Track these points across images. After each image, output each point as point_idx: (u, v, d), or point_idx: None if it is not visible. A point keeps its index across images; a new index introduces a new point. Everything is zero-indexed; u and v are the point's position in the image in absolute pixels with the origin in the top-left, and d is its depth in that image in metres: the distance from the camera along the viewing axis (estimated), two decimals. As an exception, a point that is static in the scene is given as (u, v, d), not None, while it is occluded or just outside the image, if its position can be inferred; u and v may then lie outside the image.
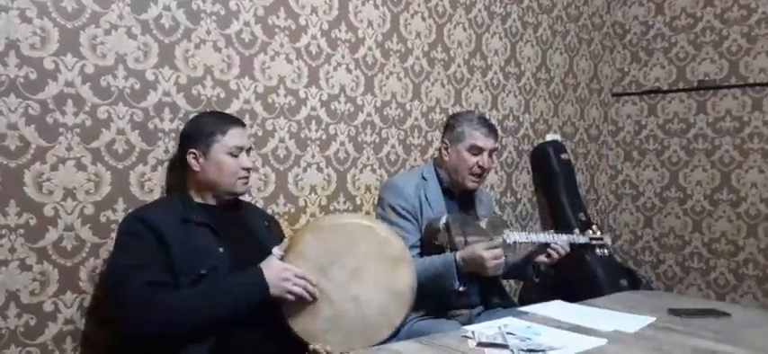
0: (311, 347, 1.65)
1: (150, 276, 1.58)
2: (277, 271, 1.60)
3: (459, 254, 1.98)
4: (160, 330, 1.56)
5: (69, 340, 1.84)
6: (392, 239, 1.77)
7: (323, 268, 1.65)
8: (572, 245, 2.17)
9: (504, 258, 2.00)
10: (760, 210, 3.29)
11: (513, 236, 2.11)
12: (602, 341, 1.56)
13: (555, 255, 2.12)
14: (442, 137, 2.27)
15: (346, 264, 1.66)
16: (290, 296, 1.61)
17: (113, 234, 1.82)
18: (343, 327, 1.67)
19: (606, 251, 2.27)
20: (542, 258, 2.14)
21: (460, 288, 1.98)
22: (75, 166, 1.83)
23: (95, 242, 1.87)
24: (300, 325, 1.65)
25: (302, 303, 1.64)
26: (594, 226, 2.27)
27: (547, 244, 2.12)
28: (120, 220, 1.79)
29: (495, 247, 1.96)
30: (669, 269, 3.63)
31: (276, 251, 1.63)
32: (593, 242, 2.21)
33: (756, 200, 3.30)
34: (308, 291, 1.63)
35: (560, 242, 2.12)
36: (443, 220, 2.04)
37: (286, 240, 1.65)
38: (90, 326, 1.86)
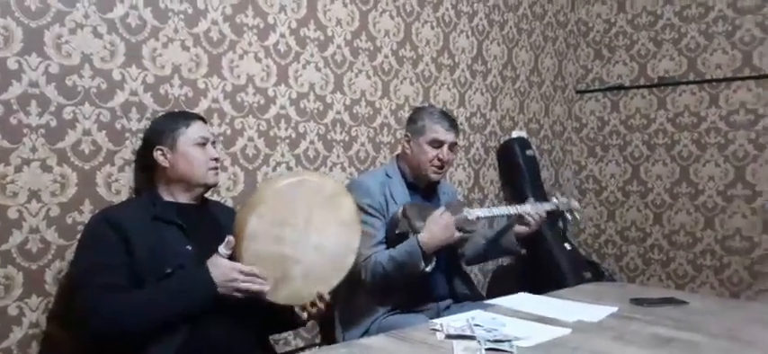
0: (308, 303, 1.72)
1: (106, 278, 1.57)
2: (223, 270, 1.59)
3: (420, 236, 2.03)
4: (113, 330, 1.55)
5: (35, 344, 1.81)
6: (324, 181, 1.84)
7: (277, 237, 1.66)
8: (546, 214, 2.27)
9: (467, 232, 2.11)
10: (717, 203, 3.41)
11: (475, 212, 2.17)
12: (566, 331, 1.61)
13: (532, 222, 2.21)
14: (405, 131, 2.32)
15: (296, 223, 1.69)
16: (237, 295, 1.60)
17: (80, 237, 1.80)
18: (317, 274, 1.73)
19: (576, 214, 2.34)
20: (522, 228, 2.23)
21: (428, 269, 2.03)
22: (40, 167, 1.80)
23: (61, 244, 1.85)
24: (280, 295, 1.68)
25: (272, 277, 1.65)
26: (558, 194, 2.35)
27: (520, 215, 2.21)
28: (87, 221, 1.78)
29: (447, 214, 2.06)
30: (631, 262, 3.74)
31: (222, 249, 1.62)
32: (560, 208, 2.30)
33: (713, 193, 3.42)
34: (256, 283, 1.62)
35: (525, 210, 2.22)
36: (400, 209, 2.11)
37: (230, 237, 1.63)
38: (56, 330, 1.84)
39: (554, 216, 2.41)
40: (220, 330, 1.63)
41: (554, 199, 2.37)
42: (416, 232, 2.06)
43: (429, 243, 2.02)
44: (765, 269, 3.26)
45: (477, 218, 2.18)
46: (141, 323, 1.56)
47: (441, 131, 2.22)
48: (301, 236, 1.70)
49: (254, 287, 1.61)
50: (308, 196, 1.72)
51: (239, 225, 1.65)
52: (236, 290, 1.60)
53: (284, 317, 1.80)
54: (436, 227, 2.05)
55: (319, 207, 1.73)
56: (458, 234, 2.09)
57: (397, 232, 2.10)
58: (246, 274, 1.60)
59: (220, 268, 1.60)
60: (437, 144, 2.21)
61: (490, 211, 2.23)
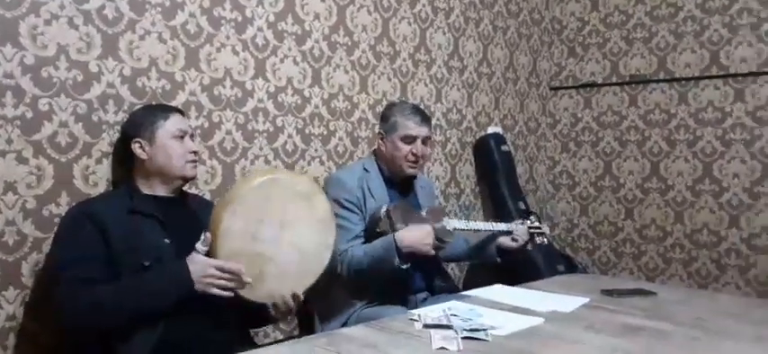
0: (278, 301, 1.71)
1: (83, 271, 1.57)
2: (200, 267, 1.59)
3: (399, 234, 2.06)
4: (88, 324, 1.56)
5: (12, 336, 1.80)
6: (297, 179, 1.85)
7: (254, 235, 1.66)
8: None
9: (439, 242, 2.12)
10: (686, 197, 3.51)
11: (453, 223, 2.22)
12: (540, 320, 1.66)
13: (520, 240, 2.31)
14: (379, 127, 2.33)
15: (271, 220, 1.69)
16: (215, 291, 1.60)
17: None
18: (293, 272, 1.73)
19: (544, 239, 2.40)
20: (508, 241, 2.31)
21: (403, 266, 2.04)
22: (15, 159, 1.79)
23: (38, 236, 1.83)
24: (256, 294, 1.68)
25: (248, 275, 1.63)
26: (532, 217, 2.40)
27: (509, 232, 2.31)
28: (64, 213, 1.77)
29: (430, 228, 2.09)
30: (603, 255, 3.82)
31: (200, 246, 1.62)
32: (531, 231, 2.35)
33: (683, 188, 3.51)
34: (234, 280, 1.61)
35: (508, 227, 2.31)
36: (384, 208, 2.12)
37: (207, 234, 1.63)
38: (32, 322, 1.83)
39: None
40: (198, 325, 1.64)
41: (529, 221, 2.41)
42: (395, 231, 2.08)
43: (404, 241, 2.04)
44: (731, 261, 3.36)
45: (455, 230, 2.22)
46: (117, 316, 1.56)
47: (413, 127, 2.24)
48: (276, 234, 1.69)
49: (231, 284, 1.61)
50: (283, 193, 1.72)
51: (215, 222, 1.64)
52: (213, 287, 1.60)
53: (258, 314, 1.79)
54: (414, 234, 2.06)
55: (294, 205, 1.73)
56: (432, 252, 2.11)
57: (377, 230, 2.12)
58: (225, 270, 1.60)
59: (198, 264, 1.59)
60: (410, 139, 2.24)
61: (468, 225, 2.28)
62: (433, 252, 2.11)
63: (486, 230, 2.33)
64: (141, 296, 1.58)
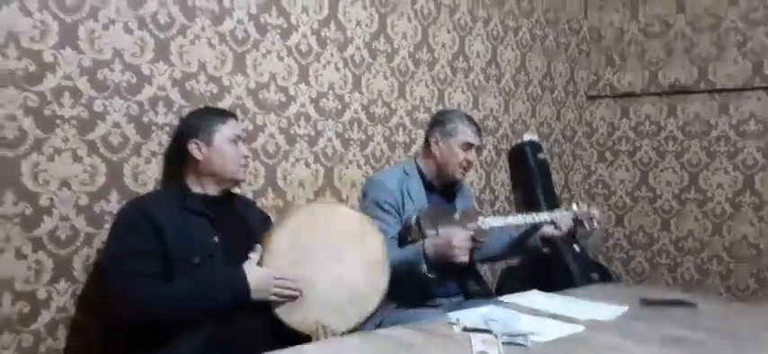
0: (315, 331, 1.71)
1: (139, 267, 1.62)
2: (259, 275, 1.66)
3: (428, 241, 2.05)
4: (145, 317, 1.61)
5: (62, 327, 1.87)
6: (354, 215, 1.87)
7: (298, 260, 1.70)
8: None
9: (475, 243, 2.07)
10: (725, 210, 3.45)
11: (489, 222, 2.18)
12: (580, 328, 1.66)
13: (563, 228, 2.23)
14: (431, 131, 2.35)
15: (320, 249, 1.73)
16: (273, 298, 1.67)
17: (107, 225, 1.87)
18: (336, 306, 1.74)
19: (595, 223, 2.33)
20: (551, 230, 2.23)
21: (430, 275, 2.04)
22: (71, 157, 1.87)
23: (89, 232, 1.91)
24: (295, 319, 1.71)
25: (290, 298, 1.70)
26: (579, 202, 2.34)
27: (551, 221, 2.22)
28: (114, 210, 1.83)
29: (465, 233, 2.04)
30: (638, 265, 3.78)
31: (253, 256, 1.69)
32: (579, 216, 2.29)
33: (722, 200, 3.46)
34: (289, 289, 1.69)
35: (544, 217, 2.22)
36: (414, 217, 2.12)
37: (258, 246, 1.70)
38: (82, 315, 1.91)
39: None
40: (244, 325, 1.68)
41: (573, 207, 2.35)
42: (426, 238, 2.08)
43: (434, 254, 2.03)
44: (772, 276, 3.30)
45: (491, 229, 2.18)
46: (173, 312, 1.61)
47: (471, 134, 2.29)
48: (323, 263, 1.73)
49: (287, 292, 1.68)
50: (336, 225, 1.76)
51: (266, 237, 1.71)
52: (270, 295, 1.67)
53: (287, 333, 1.76)
54: (442, 242, 2.03)
55: (346, 238, 1.76)
56: (463, 259, 2.04)
57: (409, 240, 2.13)
58: (279, 278, 1.67)
59: (255, 272, 1.67)
60: (467, 146, 2.28)
61: (506, 221, 2.20)
62: (464, 258, 2.05)
63: (525, 224, 2.23)
64: (199, 295, 1.63)
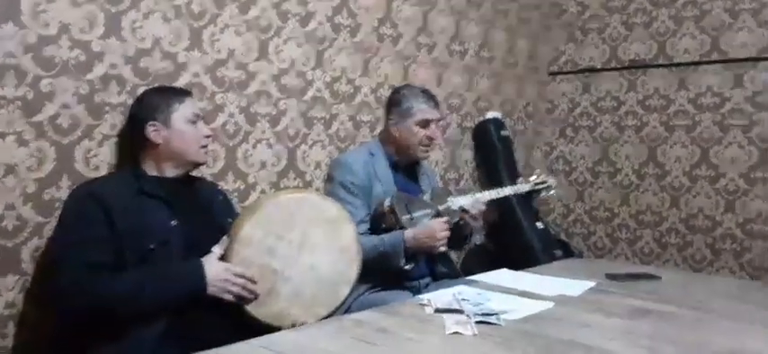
0: (285, 321, 1.64)
1: (91, 256, 1.54)
2: (217, 270, 1.59)
3: (409, 233, 2.03)
4: (94, 313, 1.53)
5: (11, 324, 1.77)
6: (326, 203, 1.81)
7: (270, 249, 1.65)
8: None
9: (451, 223, 2.07)
10: (682, 183, 3.52)
11: (458, 201, 2.17)
12: (550, 304, 1.67)
13: (476, 214, 2.18)
14: (388, 113, 2.30)
15: (291, 239, 1.67)
16: (228, 296, 1.60)
17: (58, 213, 1.76)
18: (306, 297, 1.69)
19: (553, 193, 2.36)
20: (467, 217, 2.19)
21: (406, 267, 2.04)
22: (15, 141, 1.75)
23: (38, 221, 1.80)
24: (264, 312, 1.65)
25: (259, 288, 1.63)
26: (537, 171, 2.38)
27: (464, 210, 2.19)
28: (65, 198, 1.73)
29: (443, 222, 2.04)
30: (599, 240, 3.84)
31: (216, 249, 1.62)
32: (538, 186, 2.32)
33: (680, 174, 3.53)
34: (247, 289, 1.61)
35: (507, 194, 2.25)
36: (387, 203, 2.09)
37: (225, 238, 1.63)
38: (32, 309, 1.80)
39: (531, 193, 2.44)
40: (202, 317, 1.61)
41: (532, 177, 2.38)
42: (402, 226, 2.06)
43: (413, 245, 2.02)
44: (726, 246, 3.39)
45: (461, 208, 2.17)
46: (126, 304, 1.53)
47: (428, 110, 2.23)
48: (294, 254, 1.67)
49: (244, 293, 1.60)
50: (308, 215, 1.71)
51: (235, 228, 1.64)
52: (226, 292, 1.59)
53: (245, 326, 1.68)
54: (422, 235, 2.03)
55: (318, 228, 1.71)
56: (443, 249, 2.07)
57: (383, 226, 2.09)
58: (238, 275, 1.59)
59: (214, 266, 1.59)
60: (425, 123, 2.23)
61: (473, 197, 2.21)
62: (444, 248, 2.07)
63: (492, 198, 2.26)
64: (154, 288, 1.56)
